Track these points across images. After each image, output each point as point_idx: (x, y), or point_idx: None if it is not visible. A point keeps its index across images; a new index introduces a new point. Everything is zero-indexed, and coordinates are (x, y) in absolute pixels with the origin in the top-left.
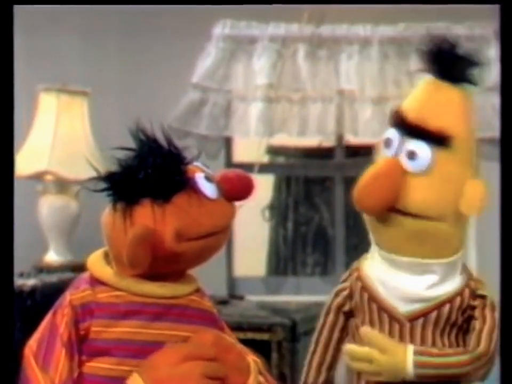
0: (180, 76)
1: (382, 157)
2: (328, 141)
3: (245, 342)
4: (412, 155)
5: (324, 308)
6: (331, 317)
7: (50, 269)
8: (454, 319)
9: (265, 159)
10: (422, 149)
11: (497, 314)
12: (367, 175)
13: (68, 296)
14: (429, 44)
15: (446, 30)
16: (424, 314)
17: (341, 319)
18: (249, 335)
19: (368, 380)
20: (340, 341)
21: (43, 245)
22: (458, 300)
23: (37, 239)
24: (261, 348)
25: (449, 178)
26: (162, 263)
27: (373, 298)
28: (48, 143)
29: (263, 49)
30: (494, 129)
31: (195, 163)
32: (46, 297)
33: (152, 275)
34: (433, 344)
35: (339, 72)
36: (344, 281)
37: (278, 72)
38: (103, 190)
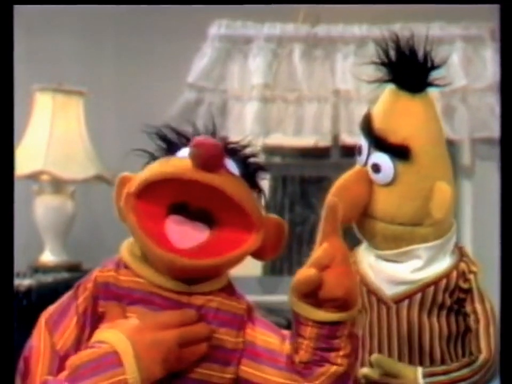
0: (176, 76)
1: (357, 164)
2: (324, 141)
3: None
4: (376, 168)
5: None
6: None
7: (46, 269)
8: (440, 301)
9: (261, 159)
10: (385, 162)
11: (488, 304)
12: (336, 186)
13: (95, 273)
14: (385, 51)
15: (441, 30)
16: (409, 296)
17: None
18: None
19: None
20: None
21: (39, 245)
22: (444, 281)
23: (33, 239)
24: None
25: (413, 188)
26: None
27: (363, 281)
28: (44, 143)
29: (259, 49)
30: (490, 129)
31: None
32: (42, 297)
33: None
34: (420, 325)
35: (335, 72)
36: None
37: (274, 72)
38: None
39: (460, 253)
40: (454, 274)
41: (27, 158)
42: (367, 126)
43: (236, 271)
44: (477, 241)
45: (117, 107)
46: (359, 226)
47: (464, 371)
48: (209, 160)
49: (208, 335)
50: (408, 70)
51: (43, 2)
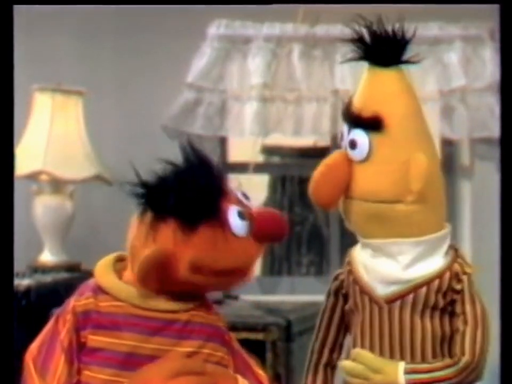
0: (175, 75)
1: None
2: (323, 141)
3: (240, 341)
4: (352, 144)
5: (326, 293)
6: (331, 299)
7: (45, 269)
8: (433, 302)
9: (260, 158)
10: (360, 136)
11: (479, 307)
12: (316, 172)
13: (72, 302)
14: (356, 31)
15: (440, 30)
16: (401, 296)
17: (341, 300)
18: (244, 335)
19: None
20: (341, 322)
21: (38, 245)
22: (436, 282)
23: (32, 239)
24: (255, 348)
25: (389, 161)
26: (174, 286)
27: (356, 281)
28: (43, 143)
29: (258, 49)
30: (489, 129)
31: (236, 192)
32: (41, 297)
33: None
34: (412, 326)
35: (334, 72)
36: (343, 267)
37: (273, 72)
38: (135, 196)
39: (455, 254)
40: (447, 275)
41: (26, 158)
42: (346, 110)
43: None
44: (476, 241)
45: (116, 107)
46: (344, 210)
47: (447, 371)
48: (274, 237)
49: None
50: (377, 44)
51: (43, 2)
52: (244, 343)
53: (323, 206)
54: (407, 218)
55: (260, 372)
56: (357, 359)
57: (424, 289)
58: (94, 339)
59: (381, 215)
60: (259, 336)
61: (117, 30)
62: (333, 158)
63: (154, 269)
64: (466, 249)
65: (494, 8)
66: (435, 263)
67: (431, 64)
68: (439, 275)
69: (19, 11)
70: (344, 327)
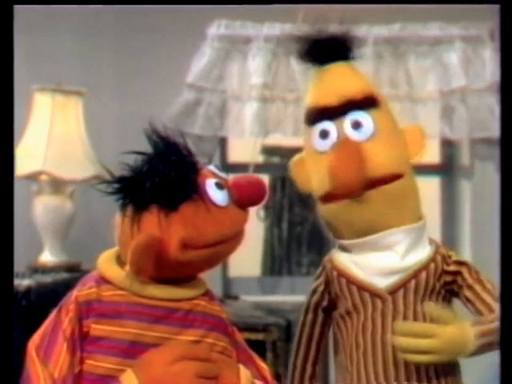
0: (175, 76)
1: (318, 151)
2: None
3: None
4: (357, 125)
5: (302, 307)
6: (310, 315)
7: (45, 269)
8: (431, 286)
9: (260, 159)
10: (362, 116)
11: (474, 271)
12: (338, 158)
13: (75, 293)
14: (301, 39)
15: (440, 30)
16: (404, 284)
17: (320, 316)
18: (244, 335)
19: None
20: (321, 337)
21: (38, 245)
22: (432, 266)
23: (32, 239)
24: (255, 348)
25: (392, 132)
26: (168, 270)
27: (351, 281)
28: (43, 143)
29: (258, 49)
30: (489, 130)
31: (208, 167)
32: (41, 297)
33: (161, 278)
34: (414, 313)
35: None
36: (318, 277)
37: (273, 72)
38: (112, 193)
39: (434, 242)
40: (439, 258)
41: (26, 158)
42: (321, 109)
43: (235, 271)
44: (476, 241)
45: (116, 107)
46: (353, 211)
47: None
48: (255, 200)
49: (217, 374)
50: (326, 46)
51: (43, 2)
52: None
53: (351, 191)
54: (411, 194)
55: (263, 365)
56: (432, 316)
57: (424, 274)
58: (97, 328)
59: (400, 194)
60: (259, 336)
61: (117, 30)
62: (347, 143)
63: (146, 255)
64: (466, 249)
65: (494, 8)
66: (425, 249)
67: (431, 64)
68: (433, 259)
69: (19, 11)
70: (325, 340)
